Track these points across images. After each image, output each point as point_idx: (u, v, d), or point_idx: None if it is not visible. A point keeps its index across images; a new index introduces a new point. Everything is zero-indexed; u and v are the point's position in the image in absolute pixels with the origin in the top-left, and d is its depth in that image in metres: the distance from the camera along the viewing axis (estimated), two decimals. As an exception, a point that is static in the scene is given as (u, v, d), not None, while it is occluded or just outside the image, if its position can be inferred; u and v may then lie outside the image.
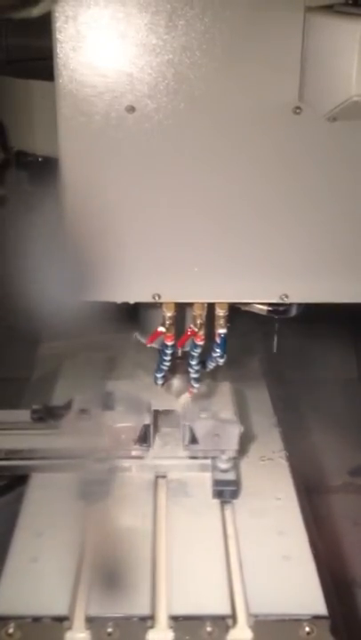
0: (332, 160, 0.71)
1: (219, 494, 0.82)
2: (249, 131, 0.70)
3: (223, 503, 0.82)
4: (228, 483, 0.83)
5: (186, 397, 0.87)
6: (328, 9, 0.64)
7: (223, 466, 0.84)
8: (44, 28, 0.68)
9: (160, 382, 0.86)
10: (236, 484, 0.83)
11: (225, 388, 0.91)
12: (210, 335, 0.80)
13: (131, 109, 0.69)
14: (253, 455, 0.89)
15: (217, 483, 0.82)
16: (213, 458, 0.84)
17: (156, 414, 0.87)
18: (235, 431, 0.83)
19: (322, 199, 0.73)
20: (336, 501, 0.94)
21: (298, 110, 0.69)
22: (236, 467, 0.85)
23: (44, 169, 0.85)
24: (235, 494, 0.82)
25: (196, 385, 0.86)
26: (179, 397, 0.88)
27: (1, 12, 0.71)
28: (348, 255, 0.75)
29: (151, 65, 0.68)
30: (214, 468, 0.84)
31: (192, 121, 0.70)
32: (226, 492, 0.82)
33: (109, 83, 0.68)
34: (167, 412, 0.88)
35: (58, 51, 0.67)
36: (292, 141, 0.70)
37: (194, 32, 0.66)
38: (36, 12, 0.68)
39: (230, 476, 0.83)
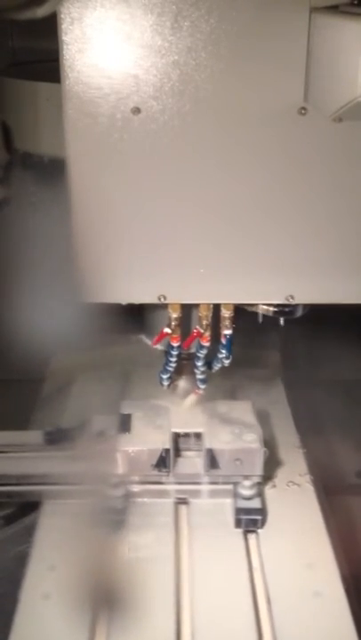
0: (337, 161, 0.71)
1: (242, 523, 0.78)
2: (254, 131, 0.70)
3: (247, 532, 0.78)
4: (252, 511, 0.78)
5: (192, 399, 0.87)
6: (333, 9, 0.64)
7: (246, 493, 0.79)
8: (49, 29, 0.68)
9: (166, 383, 0.86)
10: (262, 512, 0.79)
11: (247, 408, 0.86)
12: (216, 336, 0.80)
13: (136, 111, 0.69)
14: (277, 479, 0.86)
15: (239, 511, 0.79)
16: (235, 484, 0.81)
17: (176, 437, 0.83)
18: (259, 456, 0.79)
19: (328, 200, 0.73)
20: (343, 503, 0.93)
21: (303, 111, 0.69)
22: (260, 493, 0.80)
23: (49, 170, 0.85)
24: (260, 523, 0.78)
25: (202, 386, 0.86)
26: (184, 399, 0.88)
27: (5, 12, 0.71)
28: (355, 256, 0.75)
29: (157, 66, 0.68)
30: (237, 495, 0.80)
31: (197, 122, 0.69)
32: (249, 520, 0.78)
33: (115, 84, 0.68)
34: (188, 435, 0.84)
35: (64, 52, 0.67)
36: (297, 142, 0.70)
37: (199, 33, 0.66)
38: (40, 12, 0.68)
39: (255, 504, 0.79)
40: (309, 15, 0.66)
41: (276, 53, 0.67)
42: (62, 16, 0.66)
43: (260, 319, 0.79)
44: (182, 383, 0.88)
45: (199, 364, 0.82)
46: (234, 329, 0.80)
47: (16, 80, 0.84)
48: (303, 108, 0.69)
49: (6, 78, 0.85)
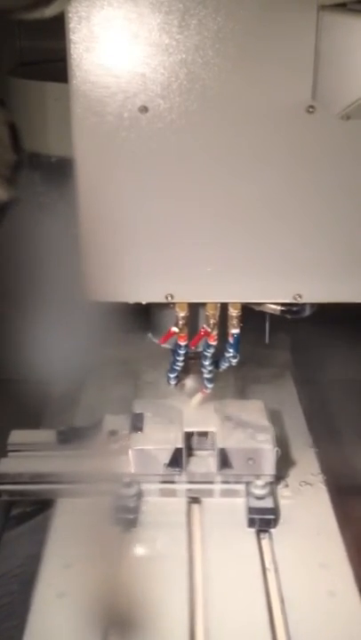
0: (345, 159, 0.71)
1: (255, 523, 0.78)
2: (262, 130, 0.70)
3: (260, 532, 0.78)
4: (265, 510, 0.78)
5: (199, 398, 0.87)
6: (341, 7, 0.63)
7: (259, 492, 0.79)
8: (57, 29, 0.68)
9: (173, 382, 0.86)
10: (275, 511, 0.79)
11: (259, 407, 0.86)
12: (223, 335, 0.80)
13: (143, 110, 0.69)
14: (290, 479, 0.86)
15: (252, 510, 0.79)
16: (248, 483, 0.81)
17: (189, 436, 0.83)
18: (271, 455, 0.79)
19: (336, 198, 0.72)
20: (356, 503, 0.92)
21: (311, 109, 0.69)
22: (273, 493, 0.80)
23: (57, 170, 0.85)
24: (273, 523, 0.78)
25: (209, 385, 0.85)
26: (192, 398, 0.87)
27: (13, 12, 0.71)
28: (363, 254, 0.75)
29: (164, 65, 0.68)
30: (249, 495, 0.80)
31: (205, 121, 0.69)
32: (262, 520, 0.78)
33: (122, 83, 0.68)
34: (200, 434, 0.84)
35: (71, 52, 0.67)
36: (305, 140, 0.70)
37: (207, 31, 0.66)
38: (48, 12, 0.68)
39: (267, 504, 0.79)
40: (317, 13, 0.66)
41: (284, 51, 0.67)
42: (70, 15, 0.66)
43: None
44: (189, 382, 0.88)
45: (206, 363, 0.82)
46: (244, 326, 0.79)
47: (24, 80, 0.84)
48: (311, 107, 0.69)
49: (14, 78, 0.86)
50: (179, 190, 0.72)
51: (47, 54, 0.89)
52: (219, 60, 0.67)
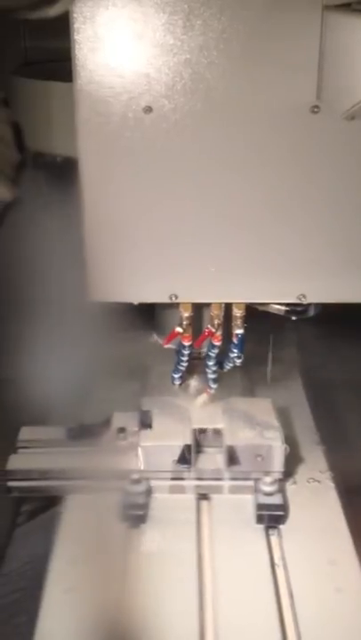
0: (350, 159, 0.70)
1: (264, 519, 0.78)
2: (266, 130, 0.70)
3: (268, 528, 0.79)
4: (273, 507, 0.79)
5: (203, 398, 0.87)
6: (346, 7, 0.63)
7: (268, 489, 0.80)
8: (61, 29, 0.68)
9: (177, 383, 0.86)
10: (284, 508, 0.79)
11: (267, 405, 0.86)
12: (227, 335, 0.80)
13: (148, 110, 0.69)
14: (298, 476, 0.86)
15: (261, 507, 0.79)
16: (256, 480, 0.81)
17: (197, 433, 0.83)
18: (279, 452, 0.80)
19: (340, 198, 0.72)
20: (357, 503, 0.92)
21: (316, 109, 0.68)
22: (282, 490, 0.81)
23: (61, 170, 0.85)
24: (282, 520, 0.79)
25: (213, 386, 0.85)
26: (196, 398, 0.88)
27: (18, 12, 0.71)
28: (367, 254, 0.74)
29: (168, 65, 0.67)
30: (258, 491, 0.80)
31: (209, 121, 0.69)
32: (271, 517, 0.78)
33: (127, 83, 0.68)
34: (208, 431, 0.84)
35: (76, 52, 0.67)
36: (309, 140, 0.70)
37: (211, 32, 0.66)
38: (52, 12, 0.68)
39: (276, 500, 0.79)
40: (322, 13, 0.65)
41: (289, 51, 0.67)
42: (75, 15, 0.66)
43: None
44: (194, 382, 0.88)
45: (211, 363, 0.82)
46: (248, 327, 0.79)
47: (28, 80, 0.84)
48: (316, 107, 0.68)
49: (19, 78, 0.86)
50: (183, 190, 0.72)
51: (52, 54, 0.88)
52: (223, 60, 0.67)
